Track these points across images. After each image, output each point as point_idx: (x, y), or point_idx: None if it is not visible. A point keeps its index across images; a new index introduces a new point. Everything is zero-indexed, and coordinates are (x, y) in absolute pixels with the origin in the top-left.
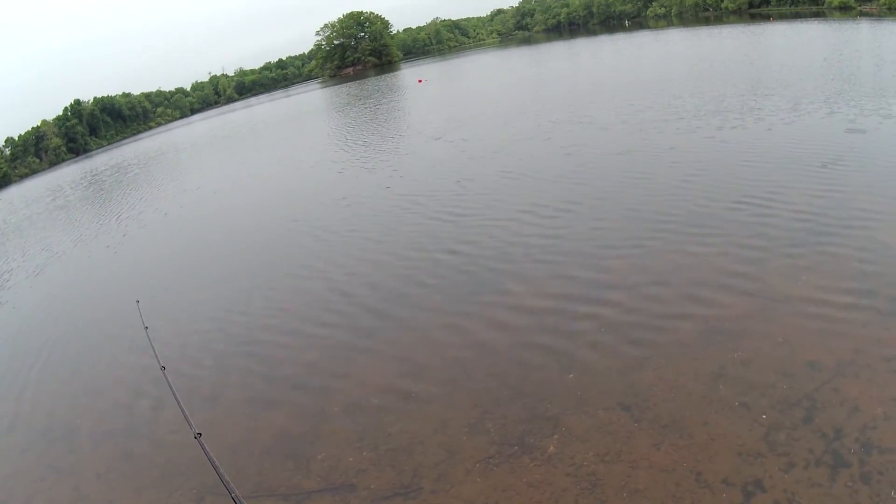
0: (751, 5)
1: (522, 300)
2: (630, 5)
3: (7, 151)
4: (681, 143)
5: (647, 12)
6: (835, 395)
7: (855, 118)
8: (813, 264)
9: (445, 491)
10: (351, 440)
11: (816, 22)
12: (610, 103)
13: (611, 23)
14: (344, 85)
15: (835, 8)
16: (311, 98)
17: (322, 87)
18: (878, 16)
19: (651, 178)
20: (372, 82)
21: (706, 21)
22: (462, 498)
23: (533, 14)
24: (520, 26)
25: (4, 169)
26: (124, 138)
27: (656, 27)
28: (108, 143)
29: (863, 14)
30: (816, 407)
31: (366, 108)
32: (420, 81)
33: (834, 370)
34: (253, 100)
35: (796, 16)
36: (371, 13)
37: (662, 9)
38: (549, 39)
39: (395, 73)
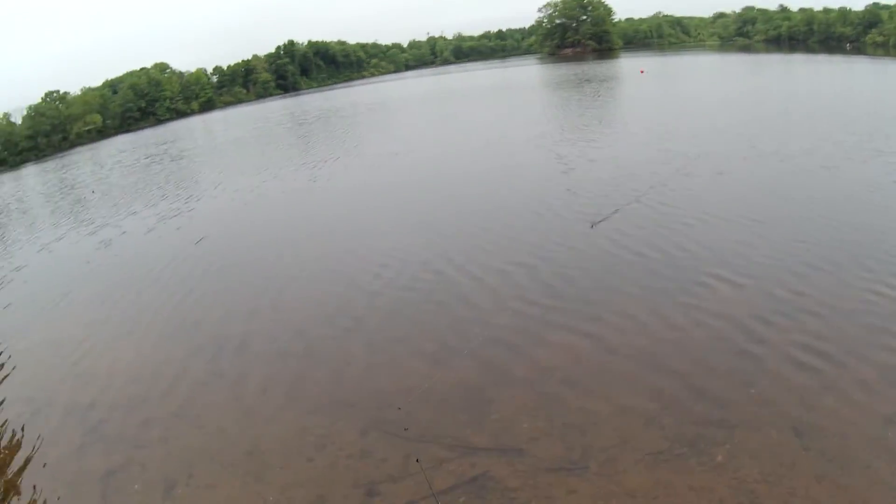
0: None
1: (726, 302)
2: (850, 28)
3: (214, 79)
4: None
5: (867, 38)
6: None
7: None
8: None
9: (609, 476)
10: (528, 407)
11: None
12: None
13: (830, 43)
14: (563, 64)
15: None
16: (528, 71)
17: (540, 63)
18: None
19: (860, 219)
20: (592, 66)
21: None
22: (624, 486)
23: (755, 23)
24: (740, 33)
25: (210, 94)
26: (336, 83)
27: (874, 54)
28: (319, 86)
29: None
30: None
31: (587, 92)
32: (642, 72)
33: None
34: (469, 65)
35: None
36: None
37: (881, 37)
38: (767, 50)
39: (615, 60)
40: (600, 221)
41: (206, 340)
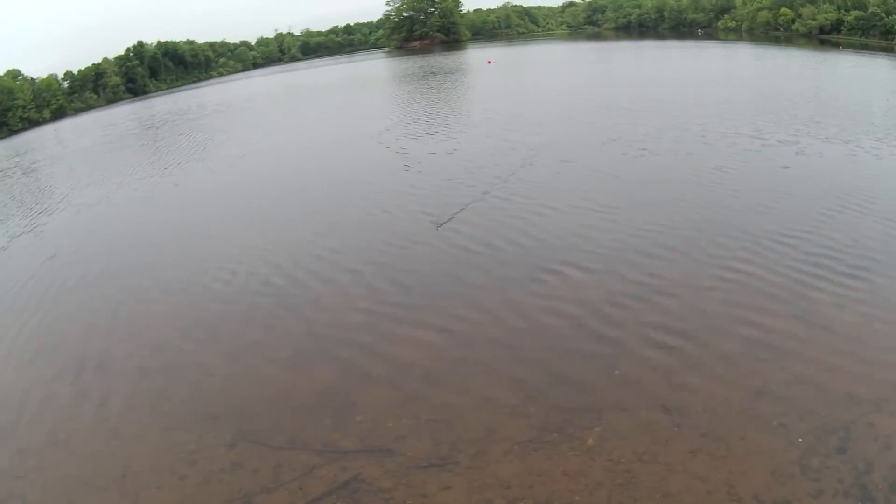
0: (820, 30)
1: (580, 288)
2: (702, 14)
3: (65, 85)
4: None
5: (719, 24)
6: (870, 429)
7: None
8: (866, 297)
9: (481, 468)
10: (392, 406)
11: (885, 56)
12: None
13: (681, 29)
14: (410, 57)
15: None
16: (375, 66)
17: (387, 57)
18: None
19: (708, 199)
20: (439, 58)
21: (776, 41)
22: (497, 477)
23: (604, 11)
24: (590, 21)
25: (61, 101)
26: (185, 84)
27: (726, 39)
28: (168, 88)
29: None
30: (851, 438)
31: (432, 85)
32: (490, 63)
33: (871, 405)
34: (317, 61)
35: (865, 47)
36: None
37: (734, 22)
38: (617, 38)
39: (463, 52)
40: (446, 222)
41: (68, 361)
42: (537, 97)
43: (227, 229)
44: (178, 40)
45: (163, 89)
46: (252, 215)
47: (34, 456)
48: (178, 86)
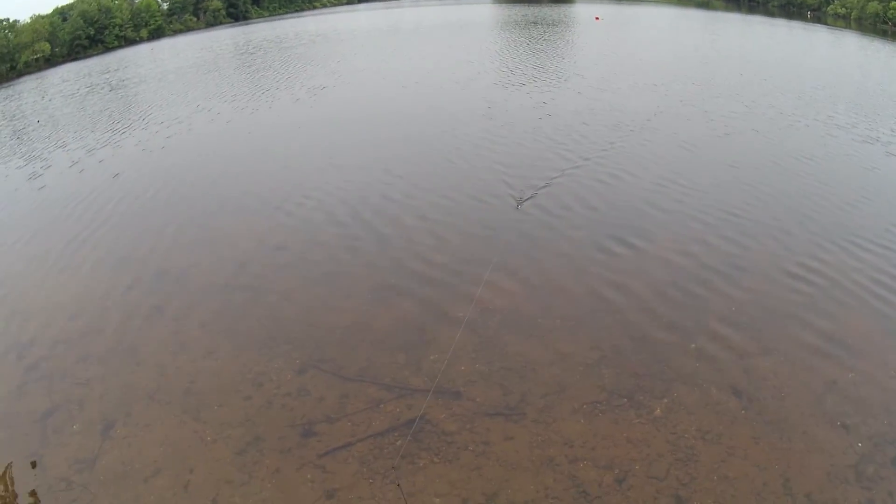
0: None
1: (664, 261)
2: None
3: (165, 6)
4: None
5: (828, 8)
6: None
7: None
8: None
9: (548, 423)
10: (467, 350)
11: None
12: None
13: (790, 9)
14: (517, 5)
15: None
16: (482, 10)
17: (496, 3)
18: None
19: (820, 181)
20: (545, 9)
21: (883, 34)
22: (562, 434)
23: None
24: None
25: (160, 22)
26: (287, 13)
27: (834, 25)
28: (270, 15)
29: None
30: None
31: (533, 36)
32: (598, 19)
33: None
34: (421, 0)
35: None
36: None
37: (844, 9)
38: (727, 9)
39: (571, 5)
40: (528, 198)
41: (144, 272)
42: (637, 61)
43: (310, 162)
44: None
45: (265, 16)
46: (330, 151)
47: (98, 363)
48: (281, 13)
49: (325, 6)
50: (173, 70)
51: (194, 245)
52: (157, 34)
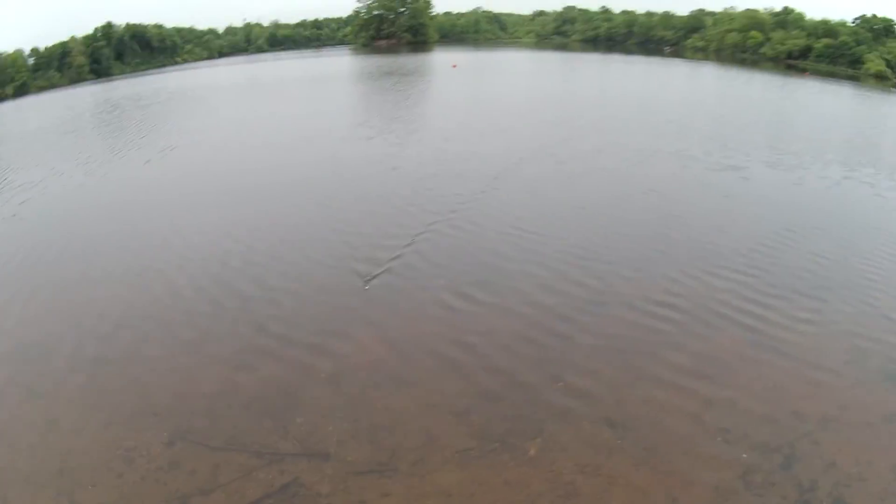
0: (788, 56)
1: (526, 302)
2: (671, 32)
3: (31, 61)
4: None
5: (686, 42)
6: (815, 447)
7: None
8: (815, 318)
9: (422, 476)
10: (333, 409)
11: (850, 86)
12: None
13: (649, 46)
14: (375, 56)
15: (871, 75)
16: (339, 62)
17: (353, 54)
18: None
19: (689, 214)
20: (402, 59)
21: (742, 62)
22: (437, 485)
23: (574, 22)
24: (559, 32)
25: (25, 78)
26: (149, 69)
27: (693, 58)
28: (132, 71)
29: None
30: (795, 456)
31: (385, 87)
32: (454, 66)
33: (817, 423)
34: (283, 54)
35: (831, 75)
36: None
37: (703, 42)
38: (584, 50)
39: (428, 53)
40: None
41: (5, 349)
42: (490, 106)
43: (162, 223)
44: (146, 24)
45: (127, 72)
46: (181, 211)
47: None
48: (143, 70)
49: (186, 61)
50: (34, 130)
51: (54, 318)
52: (22, 91)
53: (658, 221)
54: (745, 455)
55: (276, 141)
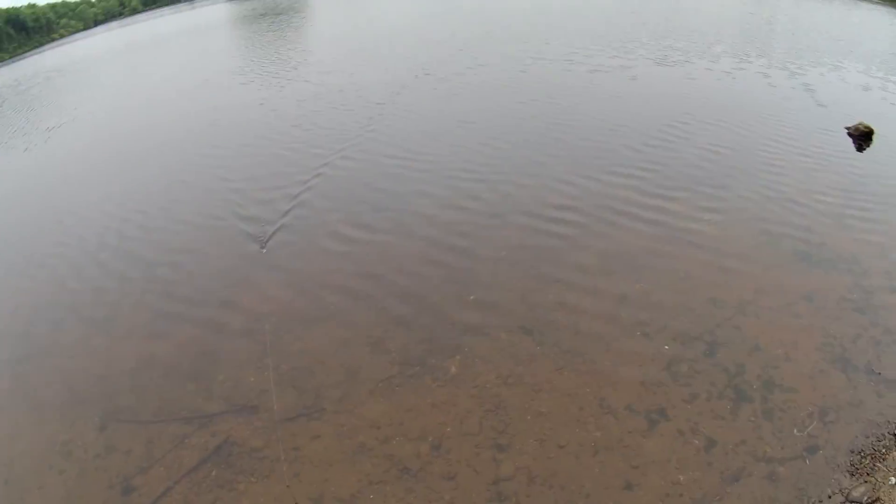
0: None
1: (422, 222)
2: None
3: None
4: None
5: None
6: (736, 332)
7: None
8: (718, 206)
9: (349, 411)
10: (251, 361)
11: None
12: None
13: None
14: (249, 1)
15: None
16: (214, 12)
17: (228, 1)
18: None
19: (577, 117)
20: None
21: None
22: (366, 418)
23: None
24: None
25: None
26: (27, 51)
27: None
28: (11, 57)
29: None
30: (718, 342)
31: (260, 29)
32: None
33: (735, 308)
34: (157, 12)
35: None
36: None
37: None
38: None
39: None
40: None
41: None
42: (370, 33)
43: (55, 205)
44: (20, 6)
45: (6, 59)
46: (72, 188)
47: None
48: (21, 53)
49: (63, 37)
50: None
51: None
52: None
53: (548, 127)
54: (666, 347)
55: (158, 100)
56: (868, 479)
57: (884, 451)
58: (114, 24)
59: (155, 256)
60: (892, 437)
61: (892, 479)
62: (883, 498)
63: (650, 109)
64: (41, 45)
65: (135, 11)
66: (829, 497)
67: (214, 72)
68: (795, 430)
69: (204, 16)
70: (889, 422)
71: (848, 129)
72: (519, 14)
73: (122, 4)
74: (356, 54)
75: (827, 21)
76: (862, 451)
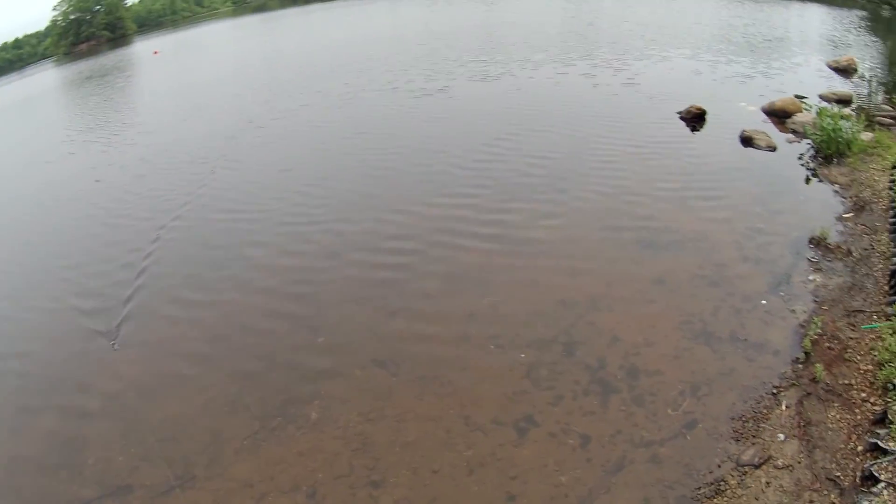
0: None
1: (264, 262)
2: None
3: None
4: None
5: None
6: (591, 328)
7: None
8: (556, 210)
9: (220, 475)
10: (117, 439)
11: None
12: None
13: None
14: (78, 62)
15: None
16: (43, 80)
17: (56, 66)
18: None
19: (404, 144)
20: (104, 59)
21: None
22: (238, 479)
23: None
24: None
25: None
26: None
27: None
28: None
29: None
30: (575, 341)
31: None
32: (156, 53)
33: (587, 305)
34: None
35: None
36: None
37: None
38: (283, 6)
39: (129, 46)
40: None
41: None
42: (193, 86)
43: None
44: None
45: None
46: None
47: None
48: None
49: None
50: None
51: None
52: None
53: (375, 159)
54: (522, 355)
55: None
56: (755, 440)
57: (765, 411)
58: None
59: (3, 348)
60: (771, 396)
61: (780, 435)
62: (774, 455)
63: (476, 126)
64: None
65: None
66: (719, 466)
67: (45, 144)
68: (670, 410)
69: (34, 84)
70: (764, 383)
71: (680, 113)
72: (329, 50)
73: None
74: (180, 110)
75: (650, 13)
76: (742, 416)
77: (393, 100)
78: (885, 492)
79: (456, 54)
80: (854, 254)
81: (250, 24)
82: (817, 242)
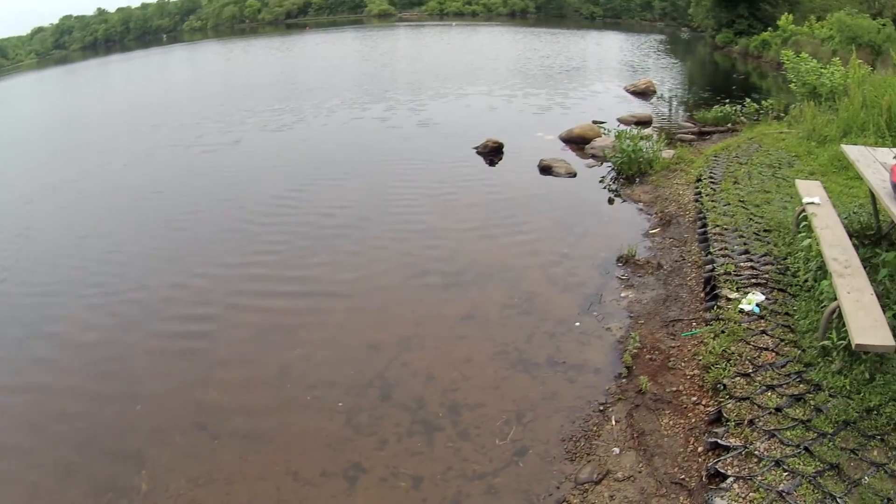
0: (288, 16)
1: (71, 339)
2: (167, 20)
3: None
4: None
5: (184, 26)
6: (405, 369)
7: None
8: (356, 260)
9: None
10: None
11: (352, 29)
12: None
13: (147, 38)
14: None
15: (374, 16)
16: None
17: None
18: (418, 21)
19: (197, 204)
20: None
21: (242, 32)
22: None
23: (72, 31)
24: (58, 45)
25: None
26: None
27: (192, 40)
28: None
29: (403, 20)
30: (390, 384)
31: None
32: None
33: (398, 347)
34: None
35: (334, 24)
36: None
37: (199, 21)
38: (84, 57)
39: None
40: None
41: None
42: None
43: None
44: None
45: None
46: None
47: None
48: None
49: None
50: None
51: None
52: None
53: (169, 223)
54: (340, 403)
55: None
56: (590, 457)
57: (595, 428)
58: None
59: None
60: (598, 413)
61: (615, 449)
62: (613, 468)
63: (272, 179)
64: None
65: None
66: (558, 488)
67: None
68: (498, 441)
69: None
70: (590, 402)
71: (476, 148)
72: (126, 103)
73: None
74: None
75: (446, 50)
76: (573, 436)
77: (188, 156)
78: (735, 485)
79: (251, 103)
80: (665, 266)
81: (54, 76)
82: (626, 260)
